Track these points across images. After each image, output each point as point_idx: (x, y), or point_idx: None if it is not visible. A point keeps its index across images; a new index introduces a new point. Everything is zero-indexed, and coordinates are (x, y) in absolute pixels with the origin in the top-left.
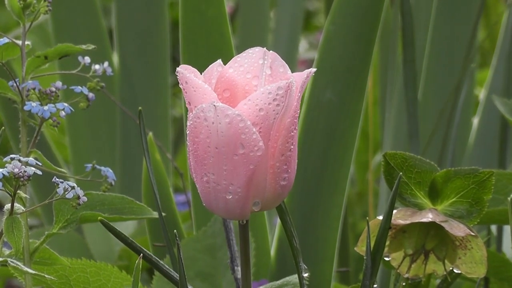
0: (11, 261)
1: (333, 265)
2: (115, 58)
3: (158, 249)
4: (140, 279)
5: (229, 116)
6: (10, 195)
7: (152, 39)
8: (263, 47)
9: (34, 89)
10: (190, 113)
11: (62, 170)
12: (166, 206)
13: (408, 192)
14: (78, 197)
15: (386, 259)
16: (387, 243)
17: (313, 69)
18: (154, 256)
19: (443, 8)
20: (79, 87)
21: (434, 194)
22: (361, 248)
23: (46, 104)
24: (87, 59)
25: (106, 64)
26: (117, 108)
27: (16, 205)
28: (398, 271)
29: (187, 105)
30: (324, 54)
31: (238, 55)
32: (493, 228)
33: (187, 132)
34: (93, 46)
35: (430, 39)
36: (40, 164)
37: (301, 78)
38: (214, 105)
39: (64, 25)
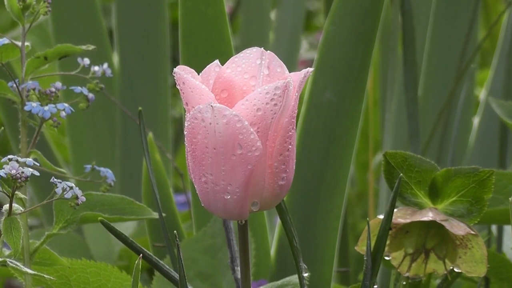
0: (10, 261)
1: (333, 265)
2: (115, 58)
3: (158, 249)
4: (140, 279)
5: (226, 116)
6: (8, 196)
7: (152, 39)
8: (264, 48)
9: (34, 89)
10: (188, 114)
11: (62, 170)
12: (166, 206)
13: (408, 191)
14: (77, 197)
15: (387, 258)
16: (388, 242)
17: (311, 69)
18: (154, 256)
19: (442, 8)
20: (79, 87)
21: (435, 193)
22: (361, 248)
23: (46, 105)
24: (86, 61)
25: (105, 65)
26: (117, 108)
27: (15, 205)
28: (398, 270)
29: (184, 106)
30: (324, 54)
31: (236, 56)
32: (493, 228)
33: (185, 133)
34: (92, 47)
35: (429, 38)
36: (39, 164)
37: (299, 77)
38: (211, 106)
39: (64, 25)
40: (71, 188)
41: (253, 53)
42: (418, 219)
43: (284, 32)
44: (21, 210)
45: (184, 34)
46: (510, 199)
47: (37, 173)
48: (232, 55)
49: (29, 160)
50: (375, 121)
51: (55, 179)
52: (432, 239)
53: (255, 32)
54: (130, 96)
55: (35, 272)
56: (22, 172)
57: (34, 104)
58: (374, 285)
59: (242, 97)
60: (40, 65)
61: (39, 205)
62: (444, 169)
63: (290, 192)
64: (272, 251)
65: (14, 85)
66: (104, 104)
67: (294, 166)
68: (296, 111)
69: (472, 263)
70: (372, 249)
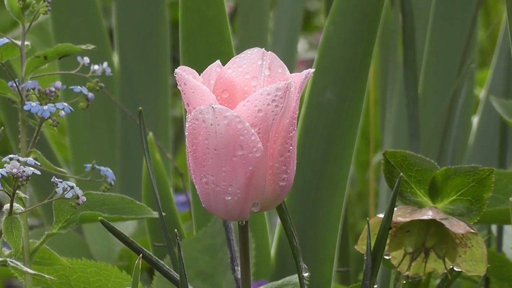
0: (11, 261)
1: (333, 265)
2: (115, 58)
3: (158, 249)
4: (140, 279)
5: (227, 117)
6: (9, 195)
7: (152, 39)
8: (262, 48)
9: (33, 89)
10: (189, 115)
11: (62, 170)
12: (166, 206)
13: (408, 190)
14: (77, 197)
15: (386, 257)
16: (388, 241)
17: (312, 70)
18: (154, 256)
19: (442, 8)
20: (79, 87)
21: (434, 192)
22: (361, 247)
23: (46, 104)
24: (86, 59)
25: (105, 64)
26: (117, 108)
27: (16, 205)
28: (398, 269)
29: (185, 107)
30: (324, 54)
31: (237, 56)
32: (493, 228)
33: (186, 134)
34: (92, 46)
35: (429, 38)
36: (40, 164)
37: (300, 78)
38: (212, 107)
39: (64, 25)
40: (71, 187)
41: (254, 53)
42: (418, 218)
43: (282, 33)
44: (22, 210)
45: (184, 34)
46: (510, 198)
47: (38, 172)
48: (233, 56)
49: (30, 160)
50: (375, 121)
51: (56, 179)
52: (432, 238)
53: (253, 32)
54: (130, 96)
55: (36, 272)
56: (23, 171)
57: (33, 104)
58: (374, 284)
59: (243, 97)
60: (40, 65)
61: (39, 205)
62: (444, 168)
63: (290, 192)
64: (272, 251)
65: (14, 85)
66: (104, 104)
67: (295, 167)
68: (297, 112)
69: (472, 262)
70: (372, 248)
